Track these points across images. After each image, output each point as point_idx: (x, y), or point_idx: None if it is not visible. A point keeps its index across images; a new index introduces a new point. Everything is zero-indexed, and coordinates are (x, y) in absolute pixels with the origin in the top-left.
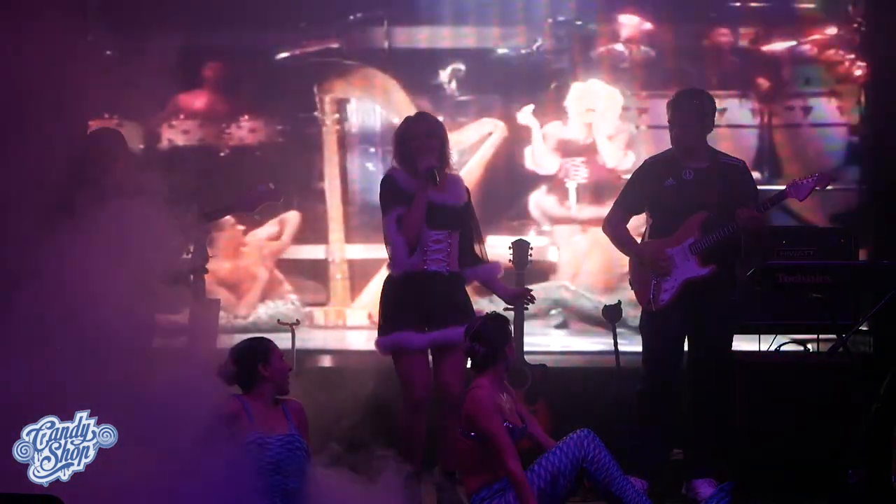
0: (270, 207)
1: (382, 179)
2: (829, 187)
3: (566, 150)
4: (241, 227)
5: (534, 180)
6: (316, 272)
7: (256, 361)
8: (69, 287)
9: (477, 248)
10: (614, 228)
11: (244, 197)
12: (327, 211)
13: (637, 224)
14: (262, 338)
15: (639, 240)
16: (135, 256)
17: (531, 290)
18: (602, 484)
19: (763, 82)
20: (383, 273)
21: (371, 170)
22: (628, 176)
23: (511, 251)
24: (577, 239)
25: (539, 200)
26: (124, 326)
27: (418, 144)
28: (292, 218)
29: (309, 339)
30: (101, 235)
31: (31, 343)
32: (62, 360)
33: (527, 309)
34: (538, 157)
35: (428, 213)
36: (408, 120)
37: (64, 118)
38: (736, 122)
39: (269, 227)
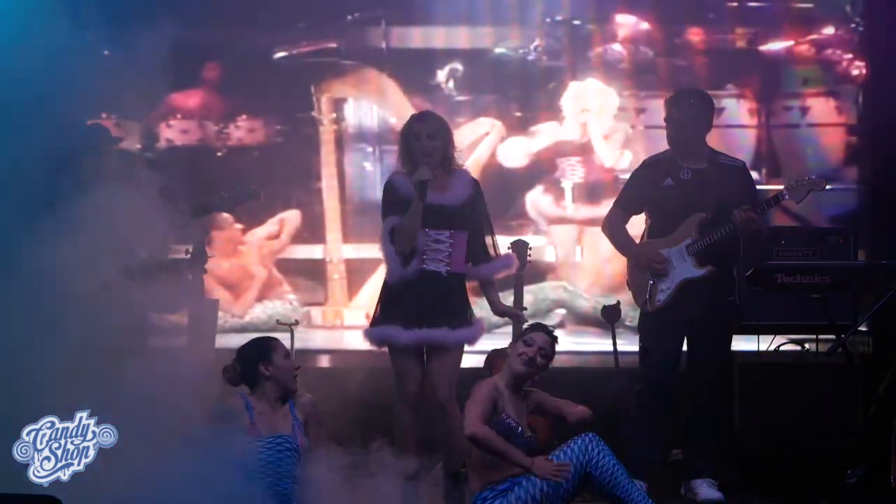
0: (250, 207)
1: (385, 184)
2: (827, 187)
3: (562, 149)
4: (239, 226)
5: (531, 180)
6: (313, 272)
7: (257, 361)
8: (48, 276)
9: (488, 242)
10: (613, 229)
11: (223, 196)
12: (325, 211)
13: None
14: (267, 337)
15: (638, 240)
16: (116, 242)
17: (523, 313)
18: (607, 488)
19: (761, 82)
20: (381, 273)
21: (368, 169)
22: (625, 175)
23: (510, 252)
24: (574, 238)
25: (535, 200)
26: (108, 315)
27: (420, 146)
28: (292, 217)
29: (306, 338)
30: (80, 220)
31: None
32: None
33: (525, 309)
34: (508, 151)
35: (426, 215)
36: (412, 119)
37: (59, 117)
38: (733, 122)
39: (269, 227)
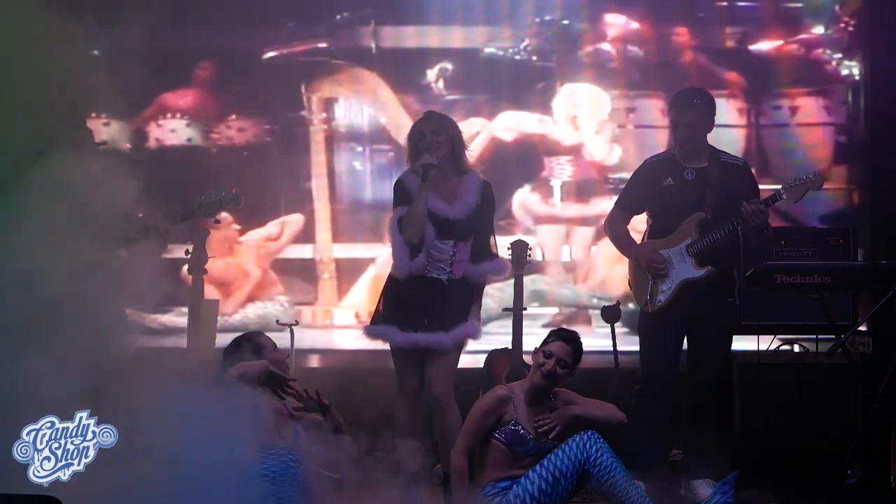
0: (233, 210)
1: (395, 183)
2: (824, 187)
3: (552, 148)
4: (237, 227)
5: (521, 179)
6: (303, 271)
7: (248, 358)
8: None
9: (490, 242)
10: (614, 229)
11: (204, 201)
12: (315, 210)
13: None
14: (249, 333)
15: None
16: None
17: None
18: (605, 486)
19: (750, 81)
20: (370, 272)
21: (358, 169)
22: (614, 175)
23: (510, 251)
24: (562, 237)
25: (523, 199)
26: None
27: (425, 144)
28: (294, 220)
29: (297, 338)
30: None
31: None
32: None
33: (525, 309)
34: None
35: (435, 224)
36: (417, 120)
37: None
38: (723, 121)
39: (270, 228)
